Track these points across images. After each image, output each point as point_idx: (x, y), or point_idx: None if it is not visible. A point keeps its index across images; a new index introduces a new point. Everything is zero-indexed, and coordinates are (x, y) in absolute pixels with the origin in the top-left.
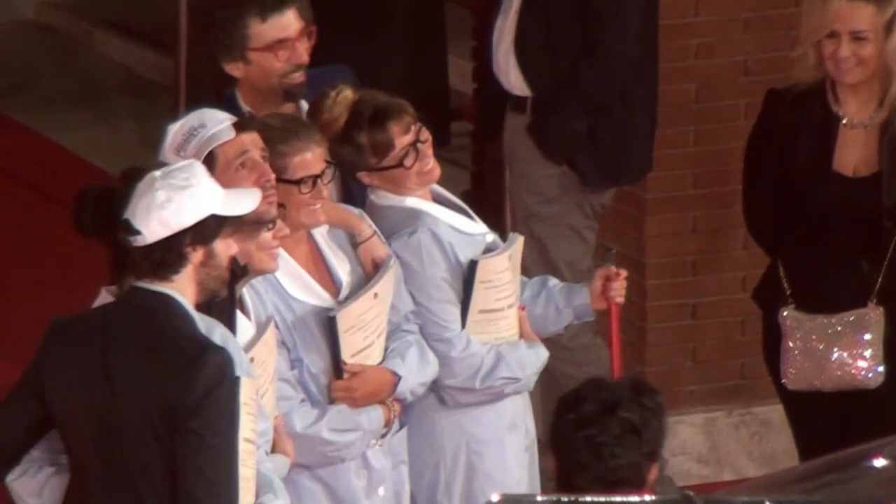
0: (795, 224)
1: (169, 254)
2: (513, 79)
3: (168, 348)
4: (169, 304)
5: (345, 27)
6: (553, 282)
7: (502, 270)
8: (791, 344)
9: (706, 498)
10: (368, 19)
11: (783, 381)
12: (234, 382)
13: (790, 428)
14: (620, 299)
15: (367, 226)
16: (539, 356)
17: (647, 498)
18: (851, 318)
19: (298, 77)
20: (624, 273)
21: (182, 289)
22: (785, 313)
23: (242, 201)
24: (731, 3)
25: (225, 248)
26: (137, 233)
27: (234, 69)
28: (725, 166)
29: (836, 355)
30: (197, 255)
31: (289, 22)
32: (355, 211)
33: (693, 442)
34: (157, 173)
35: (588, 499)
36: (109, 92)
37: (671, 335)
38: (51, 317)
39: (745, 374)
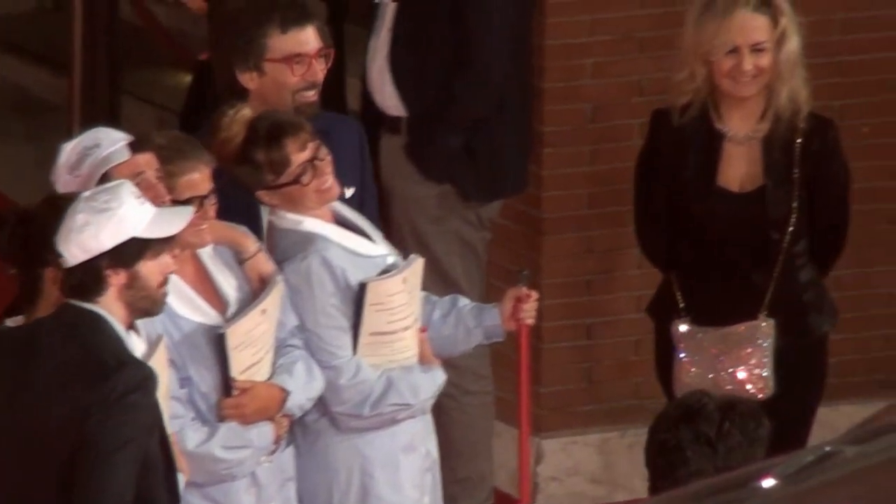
0: (686, 239)
1: (88, 277)
2: (387, 98)
3: (90, 364)
4: (96, 322)
5: None
6: (463, 301)
7: (395, 293)
8: (683, 357)
9: None
10: None
11: (675, 393)
12: (151, 396)
13: None
14: (531, 321)
15: (252, 242)
16: (435, 380)
17: None
18: (742, 331)
19: (311, 95)
20: (535, 294)
21: (109, 308)
22: (678, 326)
23: (170, 222)
24: (625, 22)
25: (154, 267)
26: (60, 255)
27: (248, 80)
28: (620, 185)
29: (727, 367)
30: (119, 278)
31: (308, 38)
32: (240, 228)
33: (587, 462)
34: (85, 194)
35: None
36: (2, 112)
37: (566, 355)
38: None
39: (639, 394)
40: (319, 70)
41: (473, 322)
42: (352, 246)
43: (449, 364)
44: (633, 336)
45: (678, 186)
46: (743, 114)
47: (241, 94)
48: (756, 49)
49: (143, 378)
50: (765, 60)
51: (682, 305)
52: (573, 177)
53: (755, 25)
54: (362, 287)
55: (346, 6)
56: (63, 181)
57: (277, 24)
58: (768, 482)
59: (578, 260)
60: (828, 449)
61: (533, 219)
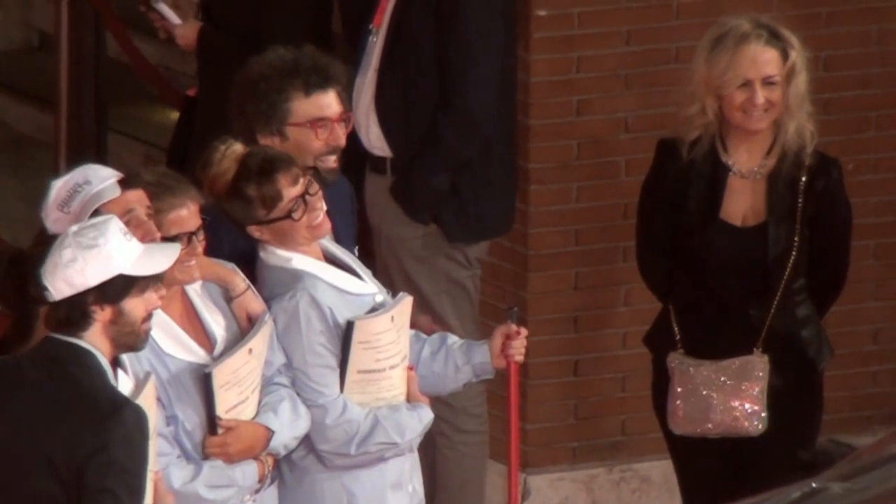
0: (686, 271)
1: (73, 312)
2: (373, 138)
3: (80, 401)
4: (81, 357)
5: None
6: (452, 339)
7: (383, 331)
8: (679, 389)
9: None
10: None
11: (669, 426)
12: (147, 440)
13: (676, 476)
14: (520, 358)
15: (240, 280)
16: (422, 419)
17: None
18: (737, 365)
19: (333, 161)
20: (524, 332)
21: (94, 343)
22: (674, 359)
23: (157, 260)
24: (611, 59)
25: (139, 304)
26: (45, 289)
27: (269, 144)
28: (607, 222)
29: (721, 401)
30: (104, 314)
31: (330, 101)
32: (228, 265)
33: (574, 498)
34: (73, 229)
35: None
36: None
37: (553, 392)
38: None
39: (626, 430)
40: (342, 134)
41: (463, 359)
42: (340, 284)
43: (443, 403)
44: (620, 373)
45: (680, 217)
46: (750, 148)
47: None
48: (767, 82)
49: (141, 420)
50: (776, 94)
51: (678, 337)
52: (560, 214)
53: (766, 59)
54: (350, 325)
55: (331, 44)
56: (53, 218)
57: (301, 88)
58: None
59: (565, 297)
60: (814, 485)
61: (519, 256)
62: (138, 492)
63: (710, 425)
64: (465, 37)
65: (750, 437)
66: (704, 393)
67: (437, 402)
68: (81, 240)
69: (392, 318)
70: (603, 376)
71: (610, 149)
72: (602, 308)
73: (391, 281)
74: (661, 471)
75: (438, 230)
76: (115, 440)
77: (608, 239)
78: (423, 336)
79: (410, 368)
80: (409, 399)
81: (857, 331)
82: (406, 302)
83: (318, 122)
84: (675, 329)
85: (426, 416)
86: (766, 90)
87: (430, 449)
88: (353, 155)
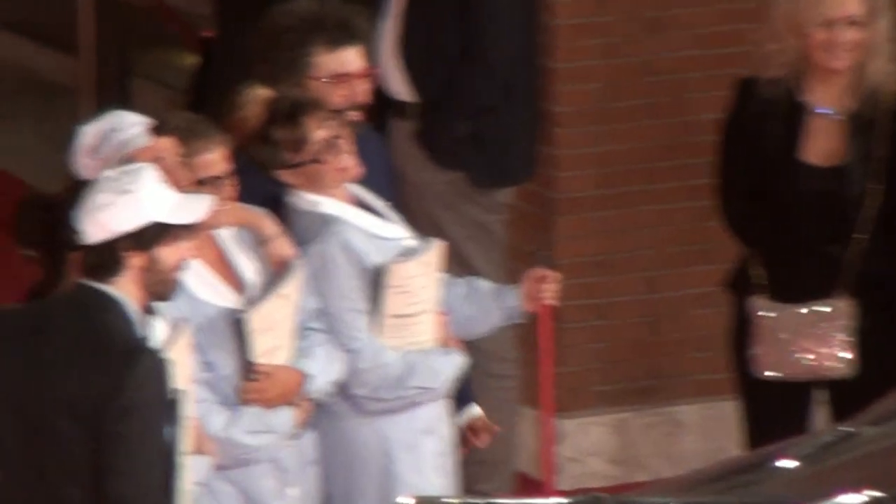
0: (766, 214)
1: (106, 257)
2: (396, 83)
3: (100, 345)
4: (109, 303)
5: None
6: (482, 282)
7: (414, 276)
8: (761, 333)
9: (616, 499)
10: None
11: (752, 370)
12: (165, 385)
13: (745, 421)
14: (553, 301)
15: (271, 225)
16: (454, 363)
17: (557, 500)
18: (821, 308)
19: (354, 116)
20: (556, 275)
21: (125, 290)
22: (756, 302)
23: (191, 209)
24: (635, 2)
25: (171, 253)
26: (79, 232)
27: None
28: (632, 166)
29: (805, 345)
30: (137, 261)
31: (353, 58)
32: (259, 210)
33: (604, 442)
34: (109, 174)
35: (499, 501)
36: (9, 92)
37: (581, 335)
38: None
39: (656, 373)
40: (363, 91)
41: (493, 303)
42: (371, 228)
43: (474, 347)
44: (649, 317)
45: (759, 158)
46: (830, 88)
47: (252, 75)
48: (850, 22)
49: (159, 366)
50: (858, 34)
51: (759, 281)
52: (586, 157)
53: None
54: (383, 269)
55: None
56: (83, 164)
57: (324, 42)
58: (787, 462)
59: (592, 240)
60: (846, 430)
61: (546, 199)
62: (152, 438)
63: (794, 369)
64: None
65: (838, 381)
66: (788, 337)
67: (468, 346)
68: (117, 185)
69: (424, 262)
70: (632, 320)
71: (635, 91)
72: (628, 251)
73: (417, 226)
74: (692, 414)
75: (463, 175)
76: (130, 385)
77: (634, 182)
78: (454, 280)
79: (442, 314)
80: (442, 344)
81: None
82: (438, 247)
83: (339, 78)
84: (756, 273)
85: (459, 361)
86: (849, 30)
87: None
88: (379, 98)
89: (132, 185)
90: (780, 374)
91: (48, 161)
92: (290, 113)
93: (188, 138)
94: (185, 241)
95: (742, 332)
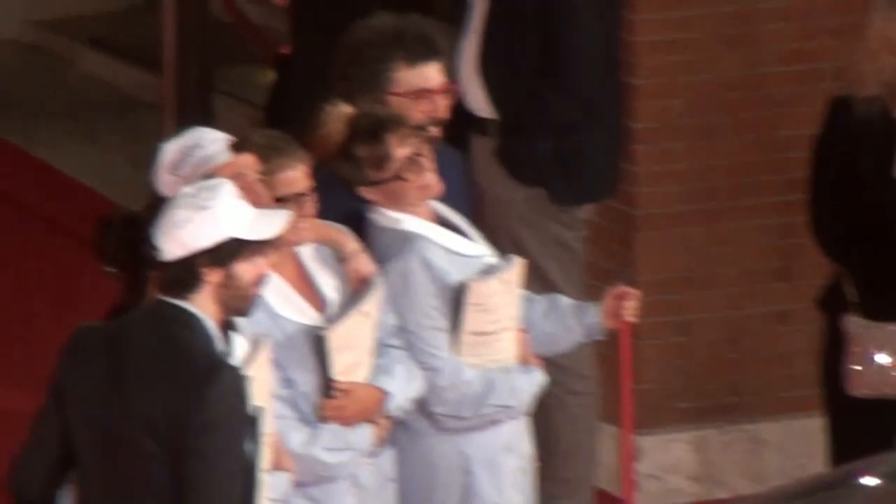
0: (861, 231)
1: (184, 273)
2: (476, 100)
3: (179, 362)
4: (187, 319)
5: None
6: (564, 299)
7: (495, 293)
8: (855, 351)
9: None
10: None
11: (846, 388)
12: (244, 401)
13: (832, 440)
14: (633, 318)
15: (352, 242)
16: (534, 381)
17: None
18: None
19: (434, 132)
20: (637, 292)
21: (203, 306)
22: (849, 321)
23: (268, 224)
24: (716, 19)
25: (248, 268)
26: (157, 249)
27: None
28: (715, 182)
29: None
30: (214, 276)
31: (434, 73)
32: (340, 227)
33: (685, 459)
34: (187, 190)
35: None
36: (95, 109)
37: (663, 352)
38: (34, 333)
39: (737, 391)
40: (443, 106)
41: (574, 320)
42: (452, 245)
43: (553, 364)
44: (730, 333)
45: (853, 176)
46: None
47: (324, 89)
48: None
49: (239, 383)
50: None
51: (854, 300)
52: (666, 173)
53: None
54: (463, 287)
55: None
56: (164, 181)
57: (405, 57)
58: (869, 480)
59: (673, 256)
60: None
61: (626, 216)
62: (231, 455)
63: (887, 388)
64: (567, 0)
65: None
66: (882, 355)
67: (547, 363)
68: (195, 201)
69: (505, 280)
70: (713, 337)
71: (716, 108)
72: (710, 268)
73: (498, 243)
74: (774, 431)
75: (544, 192)
76: (210, 402)
77: (715, 198)
78: (534, 297)
79: (522, 331)
80: (522, 362)
81: None
82: (518, 264)
83: (419, 94)
84: (851, 291)
85: (539, 378)
86: None
87: (542, 411)
88: (460, 115)
89: (209, 202)
90: (872, 393)
91: (133, 178)
92: (373, 130)
93: (270, 155)
94: (263, 257)
95: (834, 350)
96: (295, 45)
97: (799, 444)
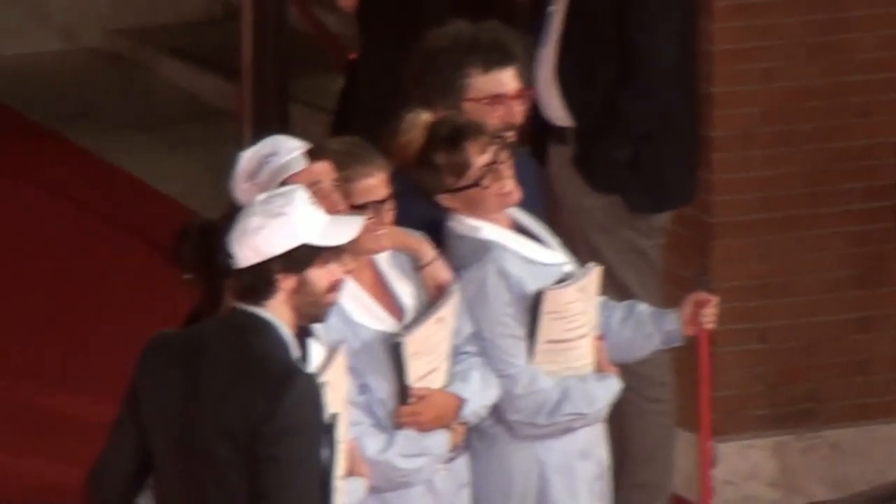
0: None
1: (258, 280)
2: (554, 109)
3: (254, 369)
4: (262, 326)
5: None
6: (642, 306)
7: (572, 301)
8: None
9: None
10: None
11: None
12: (320, 408)
13: None
14: (712, 325)
15: (429, 249)
16: (610, 389)
17: None
18: None
19: (510, 137)
20: (716, 299)
21: (278, 312)
22: None
23: (341, 231)
24: (794, 27)
25: (322, 275)
26: (232, 256)
27: None
28: (791, 190)
29: None
30: (288, 283)
31: (509, 79)
32: (417, 234)
33: (763, 466)
34: (260, 197)
35: None
36: (175, 118)
37: (740, 359)
38: (115, 342)
39: (815, 397)
40: (518, 112)
41: (653, 327)
42: (529, 254)
43: (630, 371)
44: (808, 341)
45: None
46: None
47: (390, 95)
48: None
49: (314, 389)
50: None
51: None
52: (744, 181)
53: None
54: (539, 295)
55: (512, 13)
56: (241, 189)
57: (480, 64)
58: None
59: (750, 264)
60: None
61: (703, 224)
62: (308, 462)
63: None
64: (644, 10)
65: None
66: None
67: (623, 370)
68: (268, 207)
69: (581, 288)
70: (791, 344)
71: (794, 116)
72: (787, 275)
73: (575, 251)
74: (851, 438)
75: (622, 200)
76: (285, 408)
77: (793, 206)
78: (612, 303)
79: (599, 338)
80: (598, 369)
81: None
82: (595, 272)
83: (495, 100)
84: None
85: (615, 385)
86: None
87: (618, 418)
88: (537, 123)
89: (283, 208)
90: None
91: (212, 187)
92: (452, 137)
93: (348, 163)
94: (337, 264)
95: None
96: (361, 49)
97: (877, 450)
